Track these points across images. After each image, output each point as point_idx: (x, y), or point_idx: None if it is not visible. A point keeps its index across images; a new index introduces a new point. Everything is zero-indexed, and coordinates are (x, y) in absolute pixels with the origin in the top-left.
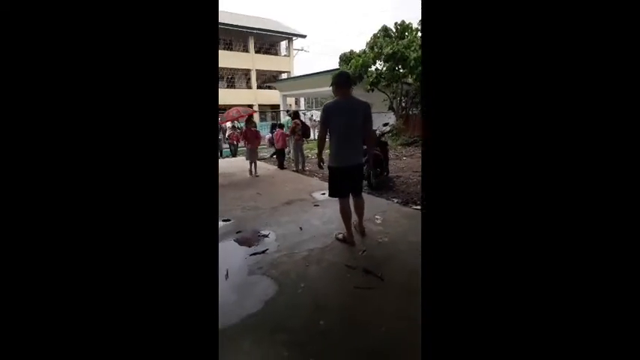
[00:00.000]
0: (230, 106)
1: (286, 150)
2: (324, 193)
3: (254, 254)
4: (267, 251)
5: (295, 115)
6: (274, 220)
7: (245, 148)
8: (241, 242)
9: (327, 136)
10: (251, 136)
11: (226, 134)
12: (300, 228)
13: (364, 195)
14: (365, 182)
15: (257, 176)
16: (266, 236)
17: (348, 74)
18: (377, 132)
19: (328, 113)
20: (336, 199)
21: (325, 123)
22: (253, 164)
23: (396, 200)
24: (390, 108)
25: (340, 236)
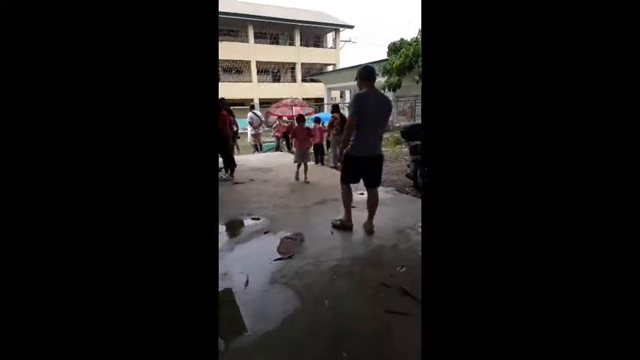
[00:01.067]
0: (275, 100)
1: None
2: (362, 194)
3: (279, 259)
4: (293, 256)
5: (334, 108)
6: (305, 221)
7: (294, 149)
8: (268, 247)
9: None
10: (301, 134)
11: (273, 126)
12: (332, 232)
13: (409, 197)
14: (411, 182)
15: (307, 182)
16: (294, 239)
17: (372, 68)
18: None
19: (362, 103)
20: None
21: (358, 112)
22: (302, 167)
23: None
24: None
25: (337, 222)
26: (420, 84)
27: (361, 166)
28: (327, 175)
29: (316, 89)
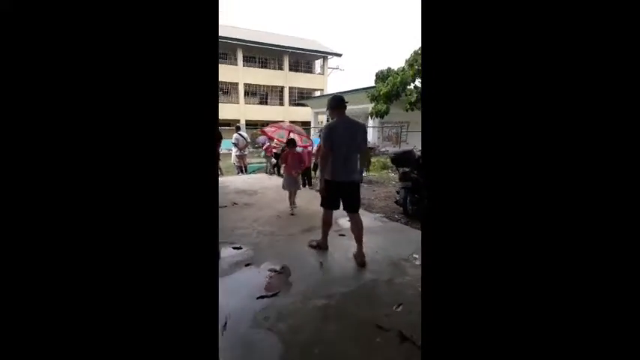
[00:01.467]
0: (262, 123)
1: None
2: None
3: (262, 297)
4: (279, 294)
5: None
6: (291, 251)
7: (283, 175)
8: (251, 284)
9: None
10: (293, 159)
11: (264, 147)
12: (321, 263)
13: (399, 225)
14: (401, 209)
15: (292, 214)
16: (279, 273)
17: (341, 97)
18: (416, 154)
19: (332, 132)
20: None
21: (329, 141)
22: (293, 196)
23: None
24: None
25: (314, 243)
26: (407, 112)
27: (339, 192)
28: (314, 200)
29: (303, 113)
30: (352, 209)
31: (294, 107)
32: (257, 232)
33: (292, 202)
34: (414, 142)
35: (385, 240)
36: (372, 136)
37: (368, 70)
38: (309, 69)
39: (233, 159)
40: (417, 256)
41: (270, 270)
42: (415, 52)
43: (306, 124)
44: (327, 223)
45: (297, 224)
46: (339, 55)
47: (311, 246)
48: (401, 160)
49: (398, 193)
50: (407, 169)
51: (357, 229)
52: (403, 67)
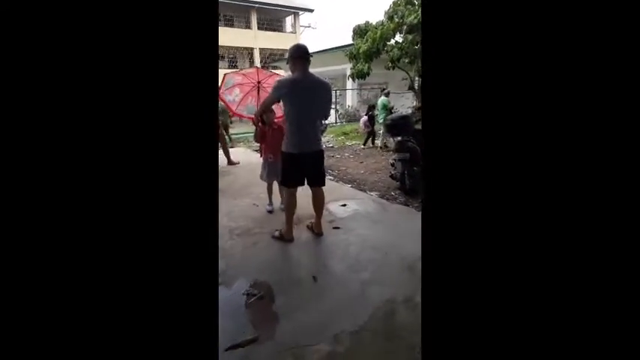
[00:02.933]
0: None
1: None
2: (344, 205)
3: (233, 348)
4: (257, 339)
5: None
6: (273, 259)
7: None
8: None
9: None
10: (274, 138)
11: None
12: (314, 278)
13: (401, 207)
14: (397, 184)
15: (271, 212)
16: (259, 296)
17: (304, 46)
18: (413, 119)
19: (293, 89)
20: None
21: (288, 100)
22: (271, 189)
23: None
24: (411, 88)
25: (277, 234)
26: (390, 70)
27: (300, 164)
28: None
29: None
30: (319, 182)
31: (266, 70)
32: (228, 231)
33: (274, 198)
34: (395, 104)
35: (392, 232)
36: (350, 99)
37: (343, 29)
38: (279, 27)
39: None
40: None
41: (246, 293)
42: (394, 3)
43: None
44: (291, 206)
45: (279, 218)
46: (311, 11)
47: (274, 237)
48: (396, 127)
49: (393, 165)
50: (404, 138)
51: (321, 203)
52: (382, 21)
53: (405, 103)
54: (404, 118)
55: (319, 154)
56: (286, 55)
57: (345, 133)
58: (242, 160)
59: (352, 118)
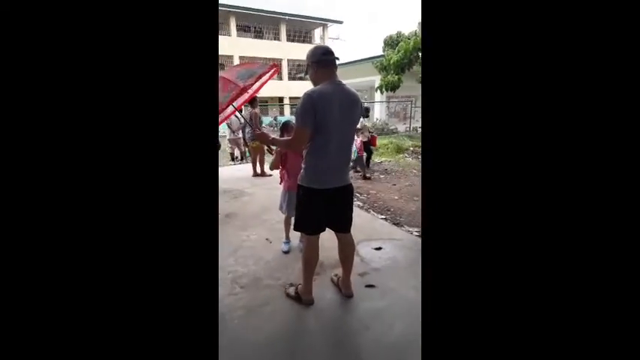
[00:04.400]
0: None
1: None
2: (378, 248)
3: None
4: None
5: None
6: (285, 335)
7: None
8: None
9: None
10: (295, 161)
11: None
12: None
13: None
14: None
15: (287, 252)
16: None
17: (328, 47)
18: None
19: (318, 104)
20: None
21: (310, 121)
22: (289, 223)
23: None
24: None
25: (292, 291)
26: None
27: (324, 204)
28: None
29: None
30: (345, 228)
31: (294, 82)
32: (231, 279)
33: (292, 234)
34: None
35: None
36: (378, 112)
37: (372, 40)
38: (307, 39)
39: (225, 144)
40: None
41: None
42: None
43: None
44: (312, 259)
45: (299, 262)
46: (340, 23)
47: (288, 295)
48: None
49: None
50: None
51: (351, 254)
52: (415, 31)
53: None
54: None
55: (349, 190)
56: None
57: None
58: (254, 182)
59: (381, 132)
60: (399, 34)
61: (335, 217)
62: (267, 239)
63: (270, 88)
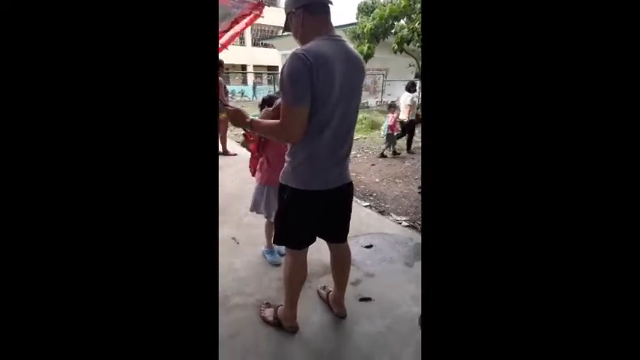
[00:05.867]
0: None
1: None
2: (369, 246)
3: None
4: None
5: None
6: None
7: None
8: None
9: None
10: (275, 151)
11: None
12: None
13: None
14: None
15: (278, 264)
16: None
17: None
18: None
19: (314, 68)
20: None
21: (304, 95)
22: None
23: None
24: (418, 76)
25: (269, 314)
26: (397, 54)
27: (317, 210)
28: None
29: (268, 55)
30: (342, 237)
31: (258, 48)
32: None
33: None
34: (395, 93)
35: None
36: None
37: (345, 6)
38: (273, 1)
39: None
40: None
41: None
42: None
43: (272, 69)
44: (297, 279)
45: (278, 271)
46: None
47: (264, 319)
48: None
49: None
50: None
51: (347, 266)
52: None
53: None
54: None
55: (350, 190)
56: (279, 33)
57: None
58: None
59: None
60: (374, 1)
61: (331, 224)
62: (233, 239)
63: (233, 56)
